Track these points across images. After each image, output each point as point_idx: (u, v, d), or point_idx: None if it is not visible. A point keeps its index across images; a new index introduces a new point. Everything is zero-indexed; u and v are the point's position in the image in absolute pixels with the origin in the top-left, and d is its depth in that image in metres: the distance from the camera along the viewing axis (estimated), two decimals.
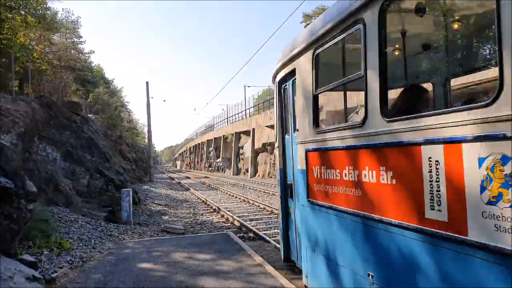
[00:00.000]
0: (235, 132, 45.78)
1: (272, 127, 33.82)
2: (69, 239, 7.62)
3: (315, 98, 3.96)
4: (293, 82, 4.72)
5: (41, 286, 5.11)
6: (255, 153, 38.60)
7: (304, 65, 4.19)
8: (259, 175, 37.24)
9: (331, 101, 18.68)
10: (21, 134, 10.35)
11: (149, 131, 35.78)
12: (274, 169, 34.23)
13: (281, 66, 5.06)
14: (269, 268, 5.86)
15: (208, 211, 14.67)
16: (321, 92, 3.90)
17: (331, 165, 3.61)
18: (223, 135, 50.88)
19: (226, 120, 54.37)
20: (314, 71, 3.94)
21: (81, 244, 7.61)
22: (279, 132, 5.53)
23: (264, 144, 36.18)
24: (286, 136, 5.25)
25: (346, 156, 3.37)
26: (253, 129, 38.91)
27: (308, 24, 63.19)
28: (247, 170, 40.47)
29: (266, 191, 20.76)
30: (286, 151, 5.24)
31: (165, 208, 15.54)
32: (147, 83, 34.58)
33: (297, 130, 4.43)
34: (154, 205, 16.32)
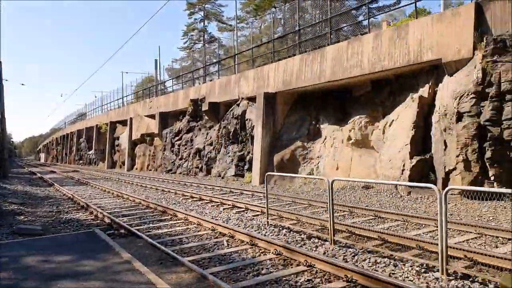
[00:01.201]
0: (110, 122, 42.63)
1: (152, 117, 32.34)
2: None
3: None
4: None
5: None
6: (133, 144, 36.58)
7: None
8: (137, 168, 35.45)
9: None
10: None
11: (3, 118, 30.74)
12: (154, 162, 32.90)
13: None
14: (137, 264, 5.61)
15: (75, 208, 13.31)
16: None
17: None
18: (96, 125, 46.89)
19: (100, 108, 50.24)
20: None
21: None
22: None
23: (143, 135, 34.52)
24: None
25: None
26: (131, 119, 36.78)
27: (192, 12, 61.50)
28: (123, 163, 38.13)
29: (144, 185, 19.87)
30: None
31: (21, 207, 13.53)
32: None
33: None
34: (7, 204, 14.06)
